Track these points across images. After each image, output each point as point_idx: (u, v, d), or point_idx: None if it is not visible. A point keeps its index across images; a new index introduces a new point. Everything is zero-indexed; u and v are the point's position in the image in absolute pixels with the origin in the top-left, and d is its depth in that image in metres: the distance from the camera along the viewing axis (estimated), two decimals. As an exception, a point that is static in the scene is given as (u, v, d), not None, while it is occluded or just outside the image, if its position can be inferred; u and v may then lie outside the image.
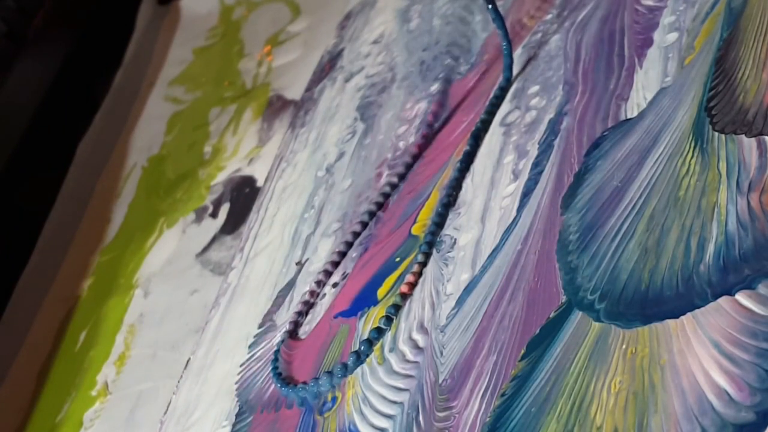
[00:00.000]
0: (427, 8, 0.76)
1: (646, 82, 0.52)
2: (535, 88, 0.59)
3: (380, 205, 0.61)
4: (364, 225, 0.61)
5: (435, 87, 0.68)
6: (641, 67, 0.53)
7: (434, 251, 0.54)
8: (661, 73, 0.51)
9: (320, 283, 0.60)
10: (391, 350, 0.51)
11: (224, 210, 0.78)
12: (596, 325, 0.42)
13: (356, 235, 0.60)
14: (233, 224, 0.75)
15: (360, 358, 0.52)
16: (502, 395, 0.44)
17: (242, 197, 0.77)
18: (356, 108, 0.73)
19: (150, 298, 0.75)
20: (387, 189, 0.61)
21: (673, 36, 0.53)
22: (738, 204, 0.41)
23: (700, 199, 0.43)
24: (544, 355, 0.43)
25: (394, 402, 0.49)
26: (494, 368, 0.45)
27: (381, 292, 0.56)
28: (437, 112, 0.65)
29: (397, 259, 0.57)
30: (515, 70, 0.61)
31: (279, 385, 0.55)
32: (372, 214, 0.61)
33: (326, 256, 0.62)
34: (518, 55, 0.62)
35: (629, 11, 0.57)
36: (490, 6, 0.59)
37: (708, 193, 0.43)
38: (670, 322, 0.40)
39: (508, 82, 0.61)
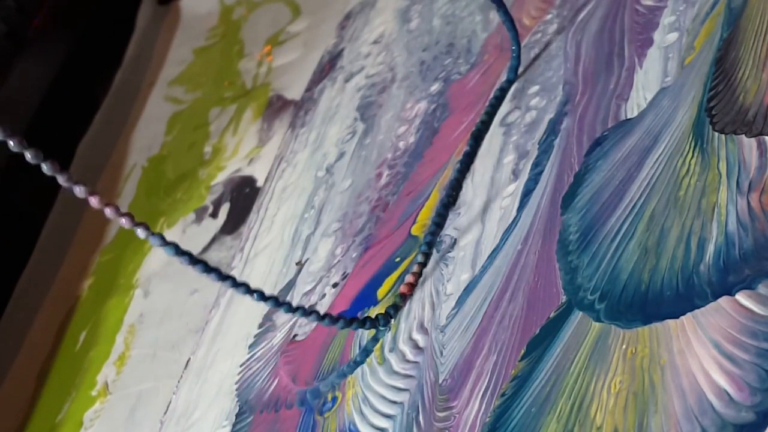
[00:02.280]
0: (427, 8, 0.76)
1: (646, 82, 0.52)
2: (535, 88, 0.59)
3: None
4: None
5: (435, 87, 0.68)
6: (641, 67, 0.53)
7: (434, 251, 0.54)
8: (661, 73, 0.51)
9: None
10: (391, 350, 0.51)
11: (224, 210, 0.78)
12: (596, 325, 0.42)
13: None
14: (233, 224, 0.75)
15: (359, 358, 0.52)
16: (502, 395, 0.44)
17: (242, 197, 0.77)
18: (356, 108, 0.73)
19: (150, 298, 0.75)
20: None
21: (673, 36, 0.53)
22: (738, 204, 0.41)
23: (700, 199, 0.43)
24: (544, 355, 0.43)
25: (394, 402, 0.49)
26: (494, 368, 0.45)
27: (381, 292, 0.56)
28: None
29: (397, 259, 0.57)
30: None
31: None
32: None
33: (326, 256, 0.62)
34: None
35: (629, 11, 0.57)
36: (499, 10, 0.59)
37: (708, 193, 0.43)
38: (670, 322, 0.40)
39: (510, 83, 0.61)
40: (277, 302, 0.48)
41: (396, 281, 0.55)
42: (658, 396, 0.38)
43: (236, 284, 0.47)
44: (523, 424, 0.42)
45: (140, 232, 0.46)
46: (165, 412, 0.63)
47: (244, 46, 0.96)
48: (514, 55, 0.61)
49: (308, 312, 0.49)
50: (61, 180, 0.43)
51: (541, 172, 0.52)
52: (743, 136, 0.44)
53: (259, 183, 0.77)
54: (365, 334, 0.53)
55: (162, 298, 0.74)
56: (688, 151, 0.46)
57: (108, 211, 0.45)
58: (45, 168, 0.43)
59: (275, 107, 0.84)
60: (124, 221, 0.45)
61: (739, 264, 0.39)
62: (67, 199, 0.93)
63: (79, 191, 0.44)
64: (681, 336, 0.39)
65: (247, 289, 0.48)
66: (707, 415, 0.36)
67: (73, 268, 0.85)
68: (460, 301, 0.50)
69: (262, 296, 0.48)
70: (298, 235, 0.67)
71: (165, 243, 0.46)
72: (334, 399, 0.52)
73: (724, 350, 0.37)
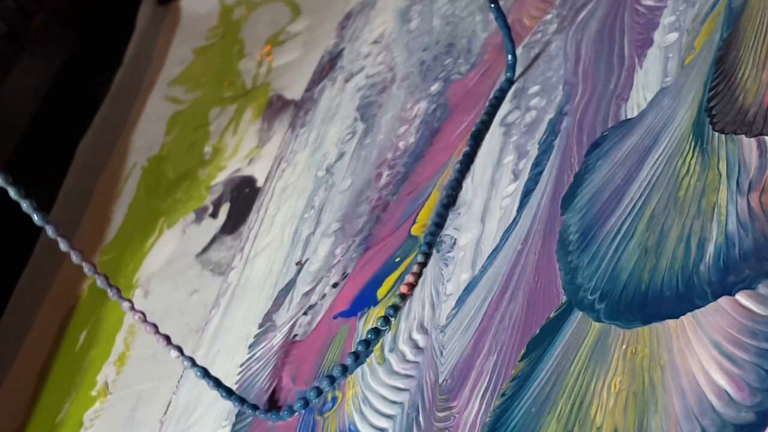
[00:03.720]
0: (427, 8, 0.76)
1: (646, 82, 0.52)
2: (535, 88, 0.59)
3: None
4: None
5: (435, 87, 0.68)
6: (641, 67, 0.53)
7: (434, 251, 0.54)
8: (661, 73, 0.51)
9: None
10: (391, 350, 0.51)
11: (224, 210, 0.78)
12: (596, 325, 0.42)
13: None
14: (233, 224, 0.75)
15: (359, 359, 0.52)
16: (502, 395, 0.44)
17: (242, 197, 0.77)
18: (356, 108, 0.73)
19: (150, 298, 0.75)
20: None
21: (673, 36, 0.53)
22: (738, 204, 0.41)
23: (700, 199, 0.43)
24: (544, 355, 0.43)
25: (394, 402, 0.49)
26: (494, 368, 0.45)
27: (381, 292, 0.56)
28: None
29: (397, 260, 0.57)
30: (516, 71, 0.61)
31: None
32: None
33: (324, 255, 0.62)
34: (518, 55, 0.62)
35: (629, 11, 0.57)
36: (492, 5, 0.59)
37: (708, 193, 0.43)
38: (670, 322, 0.40)
39: (510, 82, 0.61)
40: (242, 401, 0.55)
41: (396, 281, 0.55)
42: (658, 396, 0.38)
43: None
44: (523, 424, 0.42)
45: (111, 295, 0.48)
46: (165, 412, 0.63)
47: (244, 46, 0.96)
48: (509, 52, 0.61)
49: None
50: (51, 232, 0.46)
51: (541, 172, 0.52)
52: (743, 136, 0.44)
53: (259, 183, 0.77)
54: (364, 335, 0.53)
55: (162, 298, 0.74)
56: (688, 151, 0.46)
57: (86, 268, 0.47)
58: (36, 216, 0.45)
59: (275, 107, 0.84)
60: (99, 281, 0.48)
61: (739, 264, 0.39)
62: (68, 199, 0.93)
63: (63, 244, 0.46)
64: (681, 336, 0.39)
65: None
66: (707, 415, 0.36)
67: (73, 268, 0.85)
68: (460, 301, 0.50)
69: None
70: (298, 235, 0.67)
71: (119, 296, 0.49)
72: (334, 399, 0.52)
73: (724, 350, 0.37)
